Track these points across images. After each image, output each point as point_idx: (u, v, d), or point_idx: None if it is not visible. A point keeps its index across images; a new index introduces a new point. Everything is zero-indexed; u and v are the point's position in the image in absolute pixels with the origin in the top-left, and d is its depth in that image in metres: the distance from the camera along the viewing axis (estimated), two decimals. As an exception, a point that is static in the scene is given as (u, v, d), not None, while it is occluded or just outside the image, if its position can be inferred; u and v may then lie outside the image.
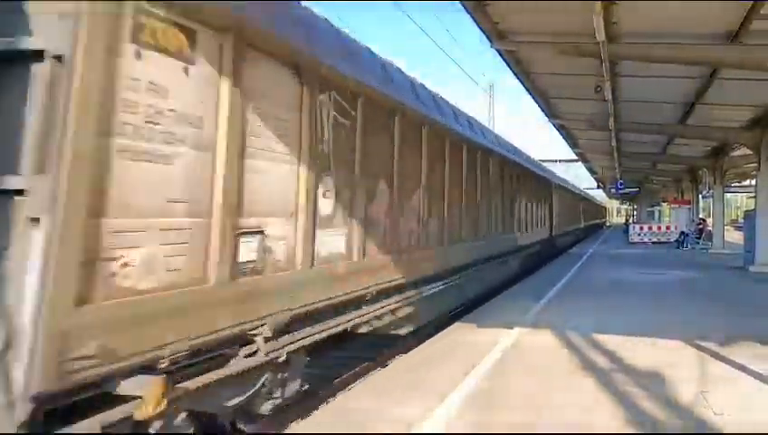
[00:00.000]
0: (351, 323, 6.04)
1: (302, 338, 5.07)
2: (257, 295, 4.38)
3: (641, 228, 34.79)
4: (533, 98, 16.78)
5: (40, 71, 2.94)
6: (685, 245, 28.33)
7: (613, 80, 13.01)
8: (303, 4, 5.64)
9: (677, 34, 10.03)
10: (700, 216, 33.42)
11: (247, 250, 4.30)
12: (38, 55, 2.93)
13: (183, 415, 3.81)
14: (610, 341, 7.42)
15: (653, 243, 31.89)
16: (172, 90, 3.59)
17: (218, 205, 3.95)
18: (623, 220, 72.75)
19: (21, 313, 2.79)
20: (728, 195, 47.74)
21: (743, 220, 28.48)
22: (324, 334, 5.45)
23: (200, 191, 3.82)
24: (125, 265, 3.23)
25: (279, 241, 4.70)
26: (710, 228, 28.21)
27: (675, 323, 8.59)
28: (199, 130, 3.84)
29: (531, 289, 12.61)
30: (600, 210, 67.57)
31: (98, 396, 3.23)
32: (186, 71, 3.70)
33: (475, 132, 11.47)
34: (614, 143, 22.85)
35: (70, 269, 2.90)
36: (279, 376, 4.91)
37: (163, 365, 3.44)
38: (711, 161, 24.86)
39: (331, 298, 5.45)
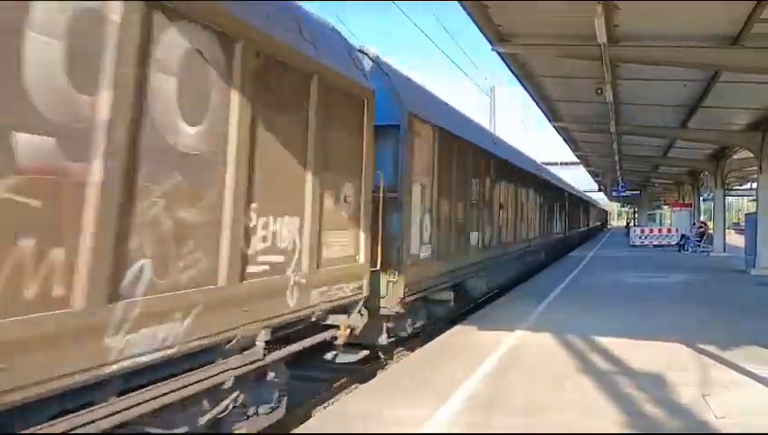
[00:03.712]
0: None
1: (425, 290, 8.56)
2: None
3: (642, 231, 35.37)
4: (535, 101, 16.93)
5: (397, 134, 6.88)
6: (686, 248, 28.57)
7: (614, 82, 13.07)
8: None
9: (679, 37, 10.21)
10: (701, 219, 33.35)
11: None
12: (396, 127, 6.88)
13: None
14: (612, 343, 7.45)
15: (654, 246, 31.98)
16: (424, 152, 7.59)
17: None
18: (624, 223, 72.77)
19: (399, 260, 6.69)
20: (729, 198, 47.97)
21: (744, 223, 28.45)
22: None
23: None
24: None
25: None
26: (711, 231, 28.19)
27: (676, 326, 8.71)
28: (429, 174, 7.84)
29: (531, 293, 12.59)
30: (601, 214, 68.17)
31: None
32: (428, 147, 7.71)
33: (529, 166, 17.03)
34: (615, 146, 22.90)
35: (410, 234, 6.88)
36: (408, 321, 7.95)
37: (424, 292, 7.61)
38: (712, 164, 25.30)
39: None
